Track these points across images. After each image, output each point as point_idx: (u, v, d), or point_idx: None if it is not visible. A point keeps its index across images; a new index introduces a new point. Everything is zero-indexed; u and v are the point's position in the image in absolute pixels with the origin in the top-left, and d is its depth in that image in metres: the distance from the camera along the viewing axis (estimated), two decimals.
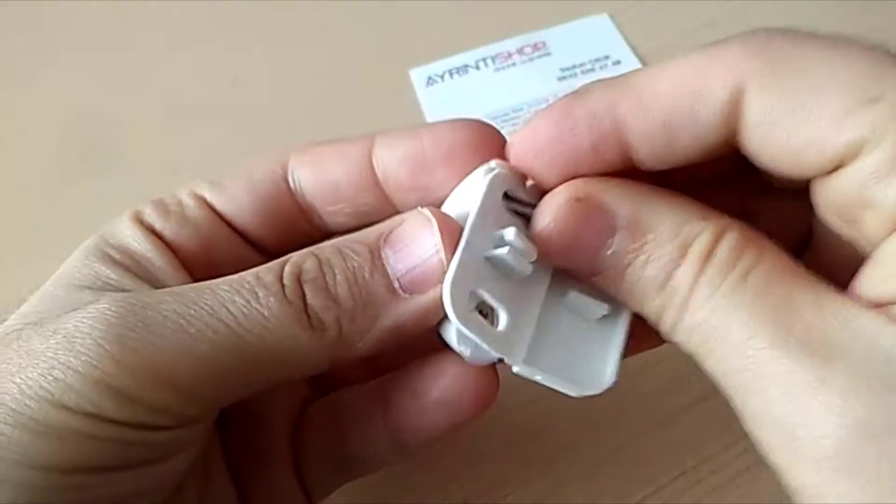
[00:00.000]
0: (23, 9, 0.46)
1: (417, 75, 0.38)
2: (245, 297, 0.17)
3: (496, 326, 0.18)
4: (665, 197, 0.17)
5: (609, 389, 0.19)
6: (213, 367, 0.17)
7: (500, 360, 0.18)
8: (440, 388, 0.19)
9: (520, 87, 0.37)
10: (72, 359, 0.16)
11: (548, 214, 0.18)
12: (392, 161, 0.20)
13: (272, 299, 0.17)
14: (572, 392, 0.18)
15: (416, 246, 0.18)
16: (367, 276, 0.18)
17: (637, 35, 0.39)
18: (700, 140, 0.16)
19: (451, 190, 0.19)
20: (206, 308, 0.17)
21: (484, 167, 0.19)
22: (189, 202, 0.21)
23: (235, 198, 0.21)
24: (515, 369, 0.18)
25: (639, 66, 0.37)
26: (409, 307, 0.18)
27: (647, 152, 0.17)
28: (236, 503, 0.21)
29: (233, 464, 0.22)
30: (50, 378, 0.16)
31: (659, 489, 0.25)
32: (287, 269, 0.18)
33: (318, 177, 0.21)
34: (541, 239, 0.18)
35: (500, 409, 0.27)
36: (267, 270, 0.18)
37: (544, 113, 0.18)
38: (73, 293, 0.18)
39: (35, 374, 0.16)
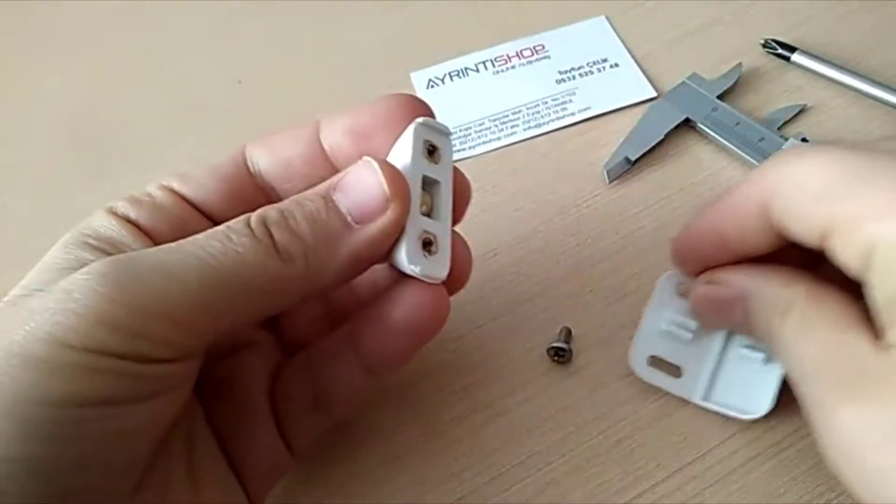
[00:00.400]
0: (26, 8, 0.46)
1: (418, 78, 0.39)
2: (220, 240, 0.20)
3: (678, 376, 0.27)
4: (763, 272, 0.23)
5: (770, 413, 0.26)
6: (202, 297, 0.19)
7: (446, 280, 0.23)
8: (401, 310, 0.22)
9: (519, 90, 0.38)
10: (71, 304, 0.18)
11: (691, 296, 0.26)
12: (336, 134, 0.23)
13: (244, 239, 0.20)
14: (740, 417, 0.26)
15: (361, 184, 0.21)
16: (323, 215, 0.21)
17: (634, 37, 0.39)
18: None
19: (386, 153, 0.22)
20: (188, 252, 0.19)
21: (412, 124, 0.22)
22: (158, 192, 0.23)
23: (201, 184, 0.23)
24: (695, 402, 0.27)
25: (636, 68, 0.38)
26: (363, 235, 0.21)
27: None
28: (223, 463, 0.23)
29: (216, 427, 0.23)
30: (52, 321, 0.18)
31: (655, 485, 0.26)
32: (253, 217, 0.20)
33: (274, 158, 0.24)
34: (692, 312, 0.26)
35: (493, 408, 0.28)
36: (236, 221, 0.20)
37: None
38: (58, 275, 0.20)
39: (39, 320, 0.18)
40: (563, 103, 0.37)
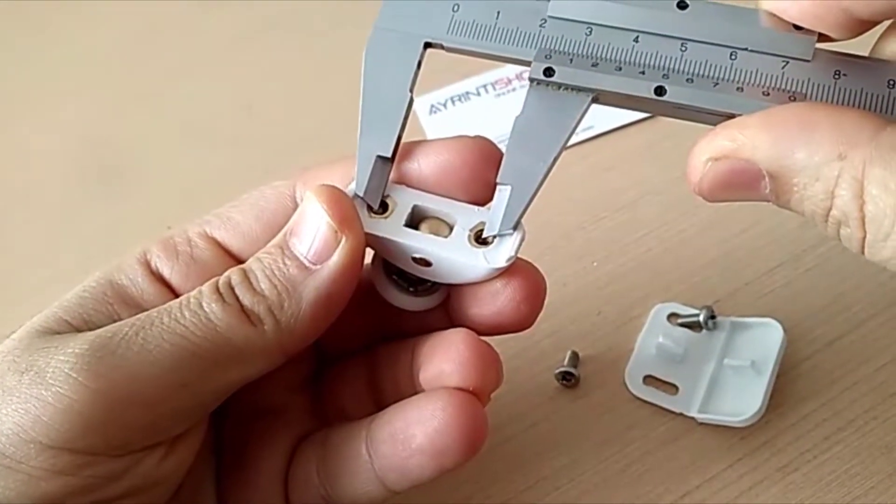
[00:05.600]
0: (39, 34, 0.47)
1: (420, 104, 0.39)
2: (192, 309, 0.19)
3: (675, 394, 0.28)
4: (804, 135, 0.17)
5: (760, 417, 0.26)
6: (175, 374, 0.18)
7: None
8: (425, 432, 0.20)
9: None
10: (43, 391, 0.18)
11: (692, 175, 0.19)
12: (393, 172, 0.22)
13: (214, 305, 0.19)
14: (735, 422, 0.26)
15: (308, 223, 0.20)
16: (280, 265, 0.20)
17: None
18: None
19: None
20: (162, 326, 0.19)
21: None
22: (199, 242, 0.22)
23: (245, 231, 0.22)
24: (692, 415, 0.27)
25: None
26: (323, 274, 0.20)
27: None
28: None
29: (223, 491, 0.23)
30: (23, 410, 0.17)
31: None
32: (220, 281, 0.20)
33: None
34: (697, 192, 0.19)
35: (501, 433, 0.28)
36: (206, 286, 0.20)
37: None
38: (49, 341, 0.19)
39: (9, 409, 0.18)
40: None
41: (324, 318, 0.20)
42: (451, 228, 0.21)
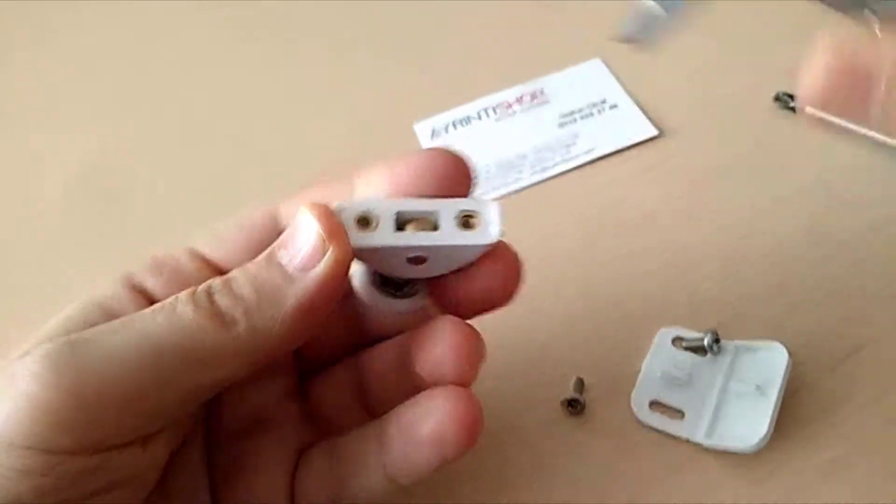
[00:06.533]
0: (37, 54, 0.47)
1: (422, 129, 0.39)
2: (165, 313, 0.20)
3: (681, 419, 0.28)
4: None
5: (766, 441, 0.26)
6: (144, 374, 0.19)
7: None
8: (431, 424, 0.21)
9: (522, 135, 0.38)
10: (12, 391, 0.18)
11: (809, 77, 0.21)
12: (371, 191, 0.22)
13: (186, 308, 0.20)
14: (741, 448, 0.26)
15: (298, 233, 0.20)
16: (264, 273, 0.20)
17: (630, 77, 0.40)
18: None
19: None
20: (133, 328, 0.19)
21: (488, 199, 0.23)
22: (183, 257, 0.23)
23: (232, 248, 0.23)
24: (698, 441, 0.27)
25: (635, 107, 0.38)
26: (306, 282, 0.20)
27: None
28: None
29: None
30: None
31: None
32: (199, 288, 0.20)
33: None
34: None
35: (508, 464, 0.28)
36: (183, 292, 0.20)
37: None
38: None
39: None
40: (567, 146, 0.37)
41: (304, 326, 0.20)
42: (436, 223, 0.22)
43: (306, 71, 0.44)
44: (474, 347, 0.22)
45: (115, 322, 0.20)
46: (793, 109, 0.37)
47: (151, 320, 0.19)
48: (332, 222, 0.20)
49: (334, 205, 0.21)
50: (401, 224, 0.22)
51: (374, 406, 0.24)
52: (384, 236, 0.21)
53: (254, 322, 0.20)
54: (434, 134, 0.39)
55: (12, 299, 0.35)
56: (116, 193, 0.39)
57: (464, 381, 0.22)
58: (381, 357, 0.24)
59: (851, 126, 0.35)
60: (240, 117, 0.42)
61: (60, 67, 0.46)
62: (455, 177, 0.22)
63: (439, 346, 0.22)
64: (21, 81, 0.46)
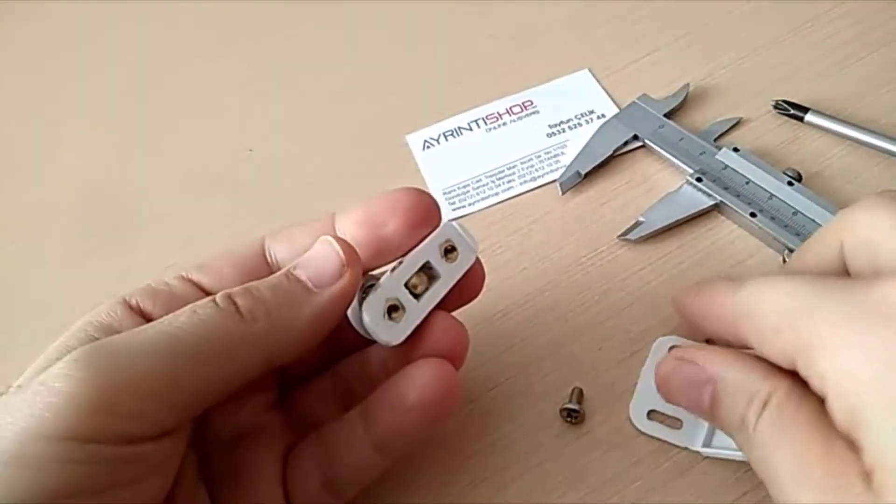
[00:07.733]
0: (39, 79, 0.47)
1: (414, 140, 0.39)
2: (187, 314, 0.21)
3: (679, 428, 0.28)
4: (740, 360, 0.23)
5: None
6: (169, 370, 0.20)
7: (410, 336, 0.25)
8: (416, 391, 0.23)
9: (512, 145, 0.39)
10: (46, 395, 0.19)
11: (660, 367, 0.25)
12: (350, 225, 0.25)
13: (208, 309, 0.21)
14: (738, 456, 0.26)
15: (319, 255, 0.23)
16: (285, 283, 0.23)
17: (617, 87, 0.40)
18: None
19: (399, 239, 0.25)
20: (157, 329, 0.21)
21: (445, 221, 0.26)
22: (175, 283, 0.24)
23: (220, 275, 0.25)
24: (696, 449, 0.28)
25: None
26: (324, 296, 0.22)
27: None
28: None
29: None
30: (28, 415, 0.18)
31: None
32: (220, 293, 0.22)
33: (292, 249, 0.25)
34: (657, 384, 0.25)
35: (508, 472, 0.28)
36: (200, 301, 0.22)
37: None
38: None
39: (16, 416, 0.19)
40: (555, 156, 0.38)
41: (314, 334, 0.23)
42: (430, 271, 0.25)
43: (298, 84, 0.44)
44: (460, 333, 0.25)
45: (139, 328, 0.21)
46: (795, 118, 0.37)
47: (172, 321, 0.21)
48: (351, 251, 0.23)
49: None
50: (406, 285, 0.24)
51: (357, 403, 0.25)
52: (412, 318, 0.24)
53: (273, 320, 0.22)
54: (426, 145, 0.39)
55: (13, 328, 0.35)
56: (116, 220, 0.39)
57: (455, 358, 0.25)
58: (361, 359, 0.27)
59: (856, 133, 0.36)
60: (243, 135, 0.41)
61: (63, 93, 0.46)
62: (423, 210, 0.24)
63: (431, 335, 0.24)
64: (20, 111, 0.46)
